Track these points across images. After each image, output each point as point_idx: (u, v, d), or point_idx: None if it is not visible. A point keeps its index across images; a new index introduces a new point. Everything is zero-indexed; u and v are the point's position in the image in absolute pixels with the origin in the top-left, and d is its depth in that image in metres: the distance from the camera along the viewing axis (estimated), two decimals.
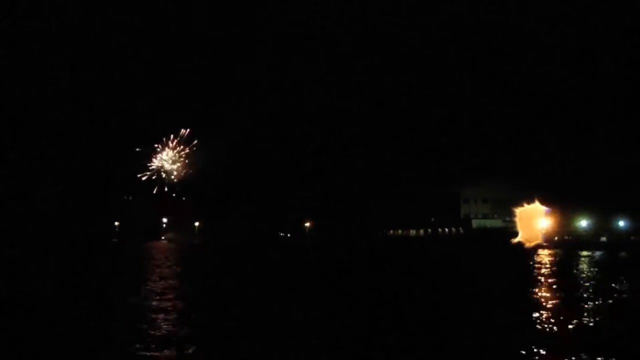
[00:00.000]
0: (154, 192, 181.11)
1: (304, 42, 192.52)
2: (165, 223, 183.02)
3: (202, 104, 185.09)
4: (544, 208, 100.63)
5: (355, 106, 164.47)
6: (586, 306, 20.69)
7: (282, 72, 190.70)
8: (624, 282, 30.22)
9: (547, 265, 44.58)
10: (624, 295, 24.83)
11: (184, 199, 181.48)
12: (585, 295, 24.10)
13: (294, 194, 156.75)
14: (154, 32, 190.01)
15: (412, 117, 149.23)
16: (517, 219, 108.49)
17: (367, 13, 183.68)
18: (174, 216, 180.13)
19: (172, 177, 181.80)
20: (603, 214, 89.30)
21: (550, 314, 18.64)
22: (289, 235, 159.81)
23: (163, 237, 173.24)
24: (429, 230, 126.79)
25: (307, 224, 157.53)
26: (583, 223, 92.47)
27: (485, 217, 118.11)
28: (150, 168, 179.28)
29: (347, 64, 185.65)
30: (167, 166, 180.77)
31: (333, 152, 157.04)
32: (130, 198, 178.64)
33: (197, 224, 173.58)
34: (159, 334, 15.61)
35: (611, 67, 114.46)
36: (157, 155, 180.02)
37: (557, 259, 55.32)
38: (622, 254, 65.80)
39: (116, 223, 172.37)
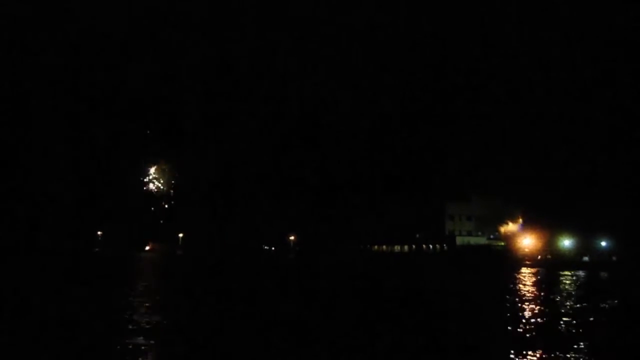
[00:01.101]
0: (139, 201, 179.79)
1: (291, 50, 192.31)
2: (149, 233, 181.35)
3: (189, 114, 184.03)
4: (528, 227, 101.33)
5: (341, 120, 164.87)
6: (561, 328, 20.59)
7: (270, 83, 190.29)
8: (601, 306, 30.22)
9: (529, 286, 44.54)
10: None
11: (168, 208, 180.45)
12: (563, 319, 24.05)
13: (278, 207, 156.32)
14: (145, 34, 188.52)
15: (398, 132, 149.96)
16: (502, 238, 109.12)
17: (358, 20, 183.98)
18: (157, 227, 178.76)
19: (160, 185, 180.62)
20: (585, 233, 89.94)
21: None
22: (273, 248, 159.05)
23: (147, 248, 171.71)
24: (414, 246, 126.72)
25: (292, 238, 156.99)
26: (566, 242, 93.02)
27: (469, 234, 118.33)
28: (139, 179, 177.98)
29: (334, 76, 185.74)
30: (154, 175, 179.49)
31: (319, 165, 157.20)
32: (114, 207, 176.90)
33: (181, 235, 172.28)
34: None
35: (600, 89, 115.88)
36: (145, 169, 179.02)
37: (539, 278, 55.35)
38: (603, 274, 66.17)
39: (99, 232, 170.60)
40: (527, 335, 18.74)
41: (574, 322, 22.30)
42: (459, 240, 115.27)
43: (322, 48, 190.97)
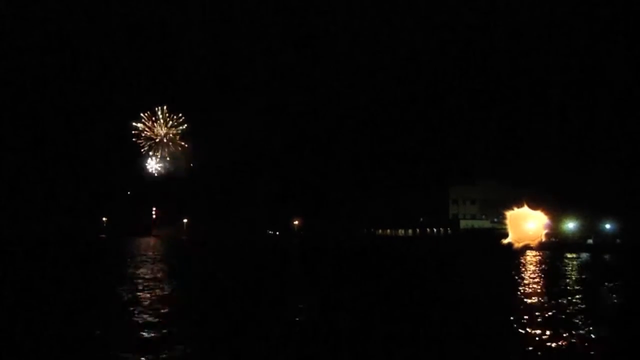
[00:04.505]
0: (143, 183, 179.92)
1: (299, 45, 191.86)
2: (153, 219, 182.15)
3: (198, 102, 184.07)
4: (533, 212, 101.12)
5: (345, 104, 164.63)
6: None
7: (276, 74, 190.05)
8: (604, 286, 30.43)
9: (532, 268, 44.76)
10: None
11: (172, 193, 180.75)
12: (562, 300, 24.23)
13: (283, 192, 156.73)
14: (152, 27, 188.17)
15: (401, 116, 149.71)
16: (507, 222, 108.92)
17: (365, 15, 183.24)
18: (162, 212, 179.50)
19: (164, 171, 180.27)
20: (590, 216, 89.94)
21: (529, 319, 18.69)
22: (277, 233, 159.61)
23: (152, 234, 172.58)
24: (417, 230, 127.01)
25: (296, 222, 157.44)
26: (570, 225, 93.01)
27: (473, 217, 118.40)
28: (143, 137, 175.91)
29: (338, 63, 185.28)
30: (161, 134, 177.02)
31: (323, 149, 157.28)
32: (118, 193, 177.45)
33: (185, 220, 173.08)
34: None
35: (603, 70, 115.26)
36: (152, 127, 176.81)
37: (543, 262, 55.53)
38: (607, 256, 66.33)
39: (104, 219, 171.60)
40: (528, 323, 18.92)
41: (576, 307, 22.48)
42: (463, 224, 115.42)
43: (322, 43, 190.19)
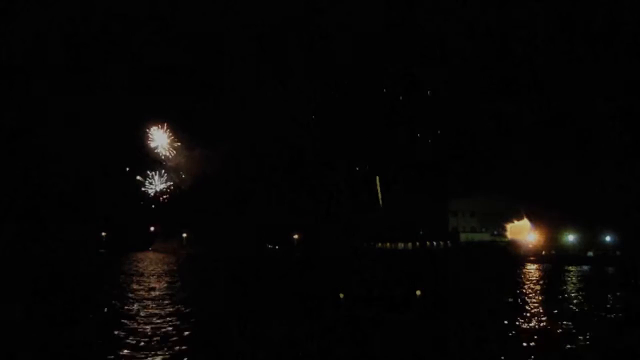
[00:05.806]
0: (142, 199, 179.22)
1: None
2: (152, 233, 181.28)
3: (192, 112, 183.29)
4: (532, 224, 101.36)
5: (344, 116, 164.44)
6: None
7: (273, 83, 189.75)
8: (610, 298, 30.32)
9: (534, 281, 44.63)
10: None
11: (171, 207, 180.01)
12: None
13: (282, 205, 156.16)
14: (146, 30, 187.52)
15: (399, 128, 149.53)
16: (507, 234, 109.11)
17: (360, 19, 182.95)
18: (161, 226, 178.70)
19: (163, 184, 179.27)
20: (590, 228, 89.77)
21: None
22: (277, 247, 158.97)
23: (151, 248, 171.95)
24: (417, 243, 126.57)
25: (296, 236, 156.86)
26: (570, 237, 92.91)
27: (473, 230, 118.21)
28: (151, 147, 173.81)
29: (333, 68, 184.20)
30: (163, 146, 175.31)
31: (321, 162, 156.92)
32: (116, 208, 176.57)
33: (184, 234, 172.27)
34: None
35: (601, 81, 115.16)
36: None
37: (543, 275, 55.38)
38: (609, 269, 66.18)
39: (103, 234, 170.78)
40: (531, 336, 18.87)
41: (577, 318, 22.40)
42: (463, 237, 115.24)
43: (320, 44, 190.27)
